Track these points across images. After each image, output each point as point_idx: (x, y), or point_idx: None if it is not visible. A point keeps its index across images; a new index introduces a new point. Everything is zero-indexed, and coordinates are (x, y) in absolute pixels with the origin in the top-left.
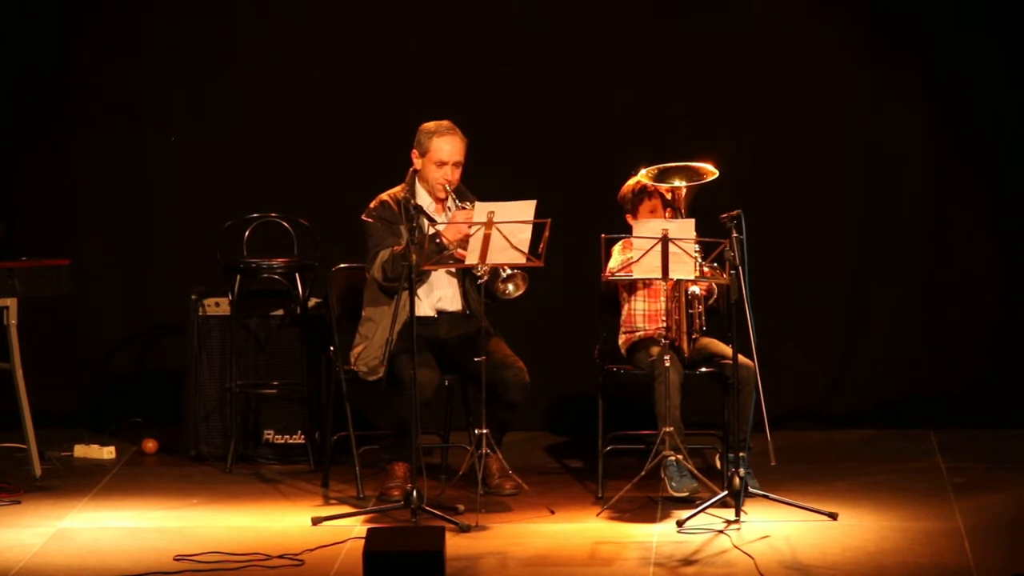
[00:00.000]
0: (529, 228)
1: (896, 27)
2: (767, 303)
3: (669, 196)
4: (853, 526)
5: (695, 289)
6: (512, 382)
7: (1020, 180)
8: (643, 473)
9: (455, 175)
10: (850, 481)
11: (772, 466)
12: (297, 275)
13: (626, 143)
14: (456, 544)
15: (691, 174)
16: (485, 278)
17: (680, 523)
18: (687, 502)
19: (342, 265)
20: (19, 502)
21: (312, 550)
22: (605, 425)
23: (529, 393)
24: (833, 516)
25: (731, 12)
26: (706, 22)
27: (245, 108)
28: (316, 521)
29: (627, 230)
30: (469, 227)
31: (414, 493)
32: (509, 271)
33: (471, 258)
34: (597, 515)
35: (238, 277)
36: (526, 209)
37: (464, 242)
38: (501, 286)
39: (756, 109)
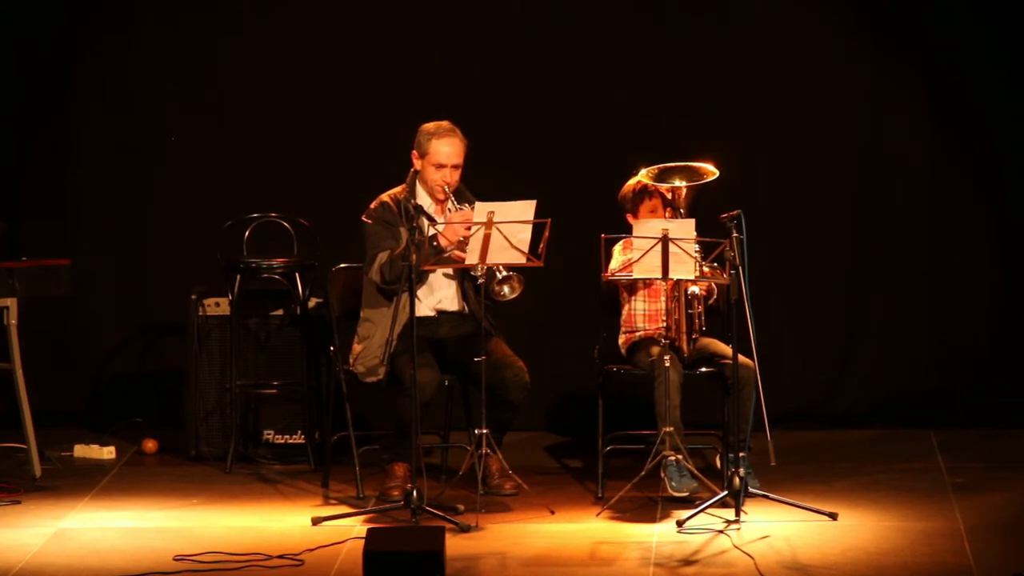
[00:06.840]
0: (529, 228)
1: (897, 27)
2: (767, 303)
3: (669, 196)
4: (853, 526)
5: (695, 289)
6: (512, 382)
7: (1020, 180)
8: (643, 473)
9: (454, 177)
10: (850, 481)
11: (772, 466)
12: (297, 275)
13: (626, 143)
14: (456, 544)
15: (691, 174)
16: (483, 280)
17: (680, 523)
18: (687, 502)
19: (342, 265)
20: (19, 502)
21: (312, 550)
22: (605, 425)
23: (529, 393)
24: (833, 516)
25: (732, 12)
26: (707, 22)
27: (245, 108)
28: (316, 521)
29: (627, 230)
30: (467, 228)
31: (414, 493)
32: (505, 273)
33: (471, 258)
34: (597, 515)
35: (238, 277)
36: (526, 209)
37: (462, 243)
38: (496, 288)
39: (756, 109)
